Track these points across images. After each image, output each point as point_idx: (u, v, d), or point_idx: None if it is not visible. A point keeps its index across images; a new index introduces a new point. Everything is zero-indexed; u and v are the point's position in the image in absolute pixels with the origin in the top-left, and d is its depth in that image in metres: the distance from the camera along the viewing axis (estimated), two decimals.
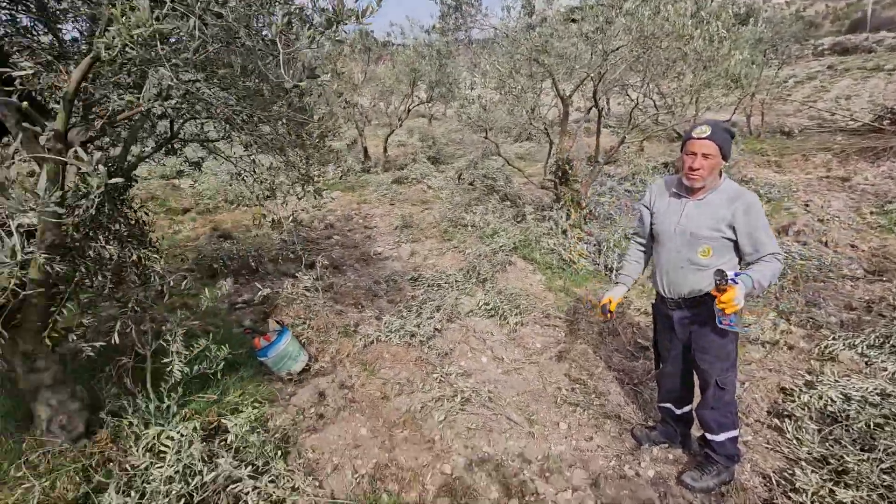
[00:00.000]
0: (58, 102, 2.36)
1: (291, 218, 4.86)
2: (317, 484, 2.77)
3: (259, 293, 4.42)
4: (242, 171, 3.82)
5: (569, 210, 6.72)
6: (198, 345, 3.31)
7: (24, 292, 2.43)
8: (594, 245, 6.18)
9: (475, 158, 10.85)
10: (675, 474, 2.89)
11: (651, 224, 2.74)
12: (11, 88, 2.24)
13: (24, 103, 2.02)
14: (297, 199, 3.89)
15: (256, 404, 3.36)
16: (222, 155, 3.83)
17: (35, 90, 2.36)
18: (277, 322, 4.10)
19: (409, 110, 12.24)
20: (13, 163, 2.06)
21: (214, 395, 3.43)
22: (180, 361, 3.19)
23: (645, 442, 3.13)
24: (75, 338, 2.77)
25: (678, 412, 2.97)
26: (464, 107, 6.54)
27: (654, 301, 2.93)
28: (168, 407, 3.12)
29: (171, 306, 4.44)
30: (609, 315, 2.86)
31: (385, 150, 12.37)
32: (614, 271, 5.63)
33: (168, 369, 3.20)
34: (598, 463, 3.03)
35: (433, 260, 6.57)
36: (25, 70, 2.18)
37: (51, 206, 1.71)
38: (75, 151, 1.77)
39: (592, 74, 5.67)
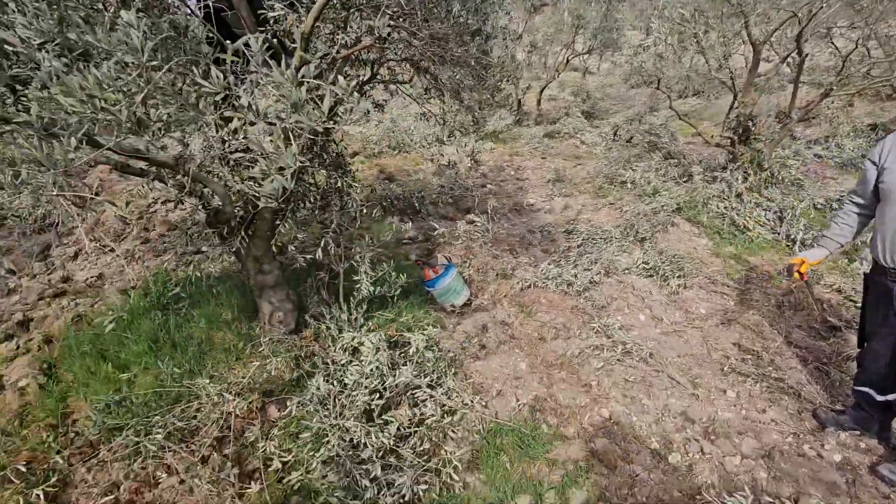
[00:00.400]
0: (294, 42, 2.71)
1: (469, 159, 5.06)
2: (483, 404, 3.01)
3: (435, 231, 4.75)
4: (427, 114, 4.04)
5: (746, 172, 6.09)
6: (381, 269, 3.70)
7: (263, 204, 2.91)
8: (775, 213, 5.56)
9: (636, 113, 10.19)
10: (867, 463, 2.64)
11: (878, 182, 2.42)
12: (263, 28, 2.62)
13: (274, 40, 2.36)
14: (463, 146, 4.05)
15: (428, 327, 3.69)
16: (410, 95, 4.09)
17: (280, 31, 2.73)
18: (445, 258, 4.39)
19: (567, 61, 11.76)
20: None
21: (391, 314, 3.83)
22: (368, 281, 3.60)
23: (830, 425, 2.88)
24: (293, 248, 3.28)
25: (879, 398, 2.67)
26: (637, 54, 6.12)
27: (867, 271, 2.62)
28: (356, 318, 3.56)
29: (356, 234, 4.96)
30: (800, 277, 2.62)
31: (539, 103, 12.12)
32: (798, 243, 5.05)
33: (357, 286, 3.64)
34: (771, 436, 2.87)
35: (587, 215, 6.44)
36: (278, 12, 2.52)
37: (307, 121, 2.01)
38: (335, 79, 2.04)
39: (801, 14, 4.94)
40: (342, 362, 3.06)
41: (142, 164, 2.56)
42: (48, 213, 6.05)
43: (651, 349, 3.60)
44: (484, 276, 4.74)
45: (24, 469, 2.39)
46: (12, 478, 2.33)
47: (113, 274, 4.47)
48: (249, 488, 2.39)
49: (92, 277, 4.42)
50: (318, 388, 2.86)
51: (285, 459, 2.54)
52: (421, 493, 2.35)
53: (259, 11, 2.62)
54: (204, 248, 5.07)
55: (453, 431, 2.77)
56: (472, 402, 2.97)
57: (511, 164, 9.19)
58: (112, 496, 2.29)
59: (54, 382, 2.94)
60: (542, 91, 12.27)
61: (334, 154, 3.75)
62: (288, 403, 2.93)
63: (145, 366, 3.01)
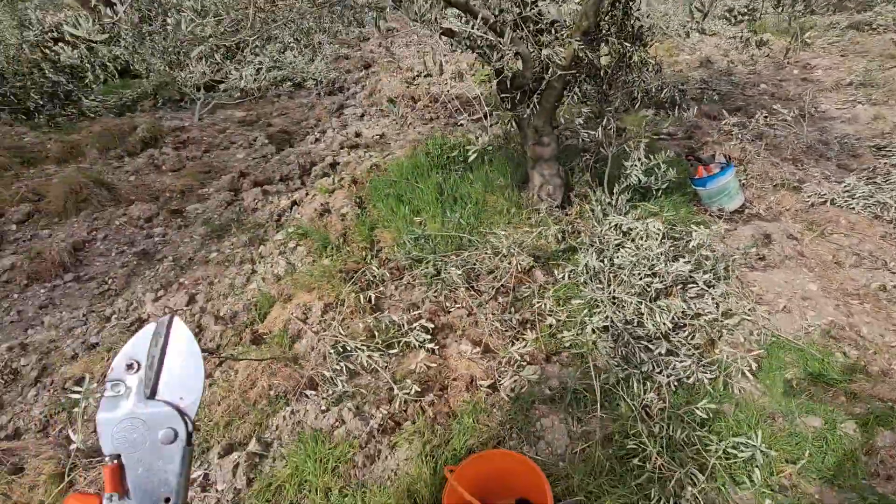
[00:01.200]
0: None
1: (744, 49, 4.32)
2: (765, 315, 2.76)
3: (699, 129, 4.25)
4: None
5: None
6: (653, 158, 3.47)
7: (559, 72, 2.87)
8: None
9: None
10: None
11: None
12: None
13: None
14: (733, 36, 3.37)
15: (697, 225, 3.43)
16: None
17: None
18: (725, 156, 3.92)
19: None
20: None
21: (654, 207, 3.63)
22: (640, 168, 3.42)
23: None
24: (579, 122, 3.23)
25: None
26: None
27: None
28: (618, 205, 3.46)
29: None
30: None
31: None
32: None
33: (625, 173, 3.49)
34: None
35: None
36: None
37: None
38: None
39: None
40: (615, 243, 3.04)
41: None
42: (336, 78, 6.96)
43: None
44: (761, 183, 4.15)
45: (349, 276, 2.97)
46: (343, 280, 2.93)
47: (393, 134, 5.03)
48: (525, 334, 2.62)
49: (376, 135, 5.04)
50: (589, 263, 2.91)
51: (559, 318, 2.70)
52: (699, 381, 2.31)
53: None
54: (462, 122, 5.35)
55: (729, 334, 2.61)
56: (752, 309, 2.74)
57: (795, 59, 7.57)
58: (415, 312, 2.73)
59: (365, 215, 3.52)
60: None
61: (633, 25, 3.45)
62: (555, 271, 3.07)
63: (433, 213, 3.39)
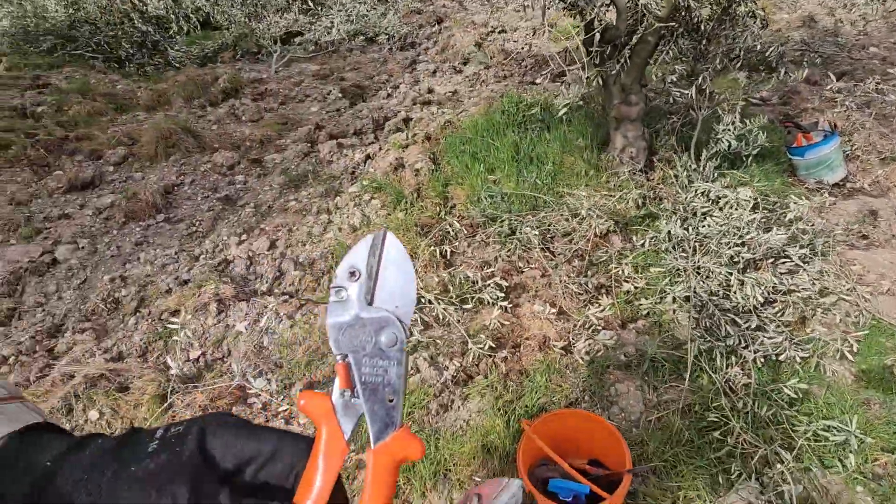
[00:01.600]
0: None
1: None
2: (866, 297, 2.55)
3: (797, 94, 3.90)
4: None
5: None
6: (750, 122, 3.23)
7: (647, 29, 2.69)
8: None
9: None
10: None
11: None
12: None
13: None
14: None
15: (792, 198, 3.19)
16: None
17: None
18: (830, 123, 3.60)
19: None
20: None
21: (745, 176, 3.40)
22: (733, 132, 3.20)
23: None
24: (671, 81, 3.04)
25: None
26: None
27: None
28: (705, 172, 3.27)
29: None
30: None
31: None
32: None
33: (716, 137, 3.28)
34: None
35: None
36: None
37: None
38: None
39: None
40: (702, 211, 2.88)
41: None
42: (409, 33, 6.87)
43: None
44: (867, 156, 3.79)
45: (423, 230, 2.99)
46: (418, 234, 2.95)
47: (465, 91, 4.93)
48: (600, 299, 2.56)
49: (449, 92, 4.96)
50: (673, 231, 2.79)
51: (637, 285, 2.61)
52: (790, 359, 2.19)
53: None
54: (538, 81, 5.16)
55: (824, 313, 2.44)
56: (852, 290, 2.54)
57: None
58: (488, 270, 2.72)
59: (439, 171, 3.50)
60: None
61: None
62: (634, 237, 2.96)
63: (508, 172, 3.33)
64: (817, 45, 6.10)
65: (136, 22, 6.31)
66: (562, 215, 2.92)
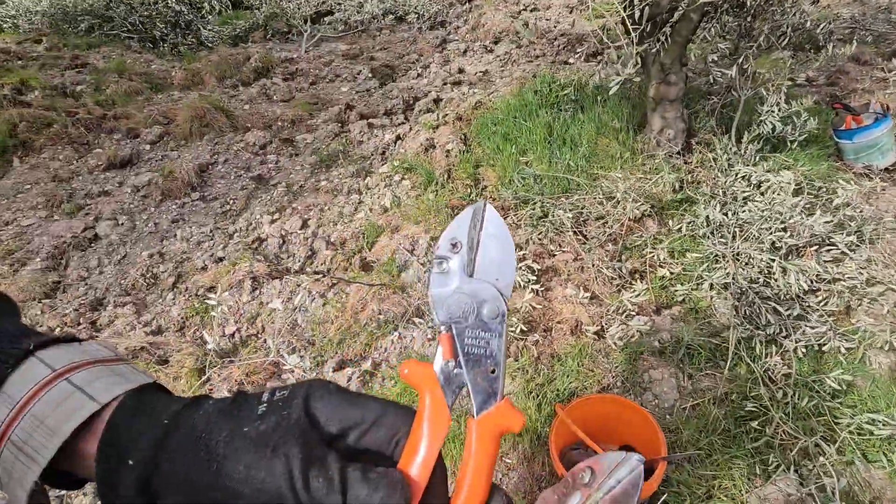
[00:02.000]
0: None
1: None
2: None
3: (847, 74, 3.70)
4: None
5: None
6: (797, 104, 3.10)
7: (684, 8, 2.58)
8: None
9: None
10: None
11: None
12: None
13: None
14: None
15: (838, 183, 3.06)
16: None
17: None
18: (883, 105, 3.42)
19: None
20: None
21: (788, 160, 3.27)
22: (778, 114, 3.07)
23: None
24: (714, 60, 2.92)
25: None
26: None
27: None
28: (747, 155, 3.15)
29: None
30: None
31: None
32: None
33: (759, 119, 3.15)
34: None
35: None
36: None
37: None
38: None
39: None
40: (742, 196, 2.79)
41: None
42: (439, 11, 6.76)
43: None
44: None
45: (454, 211, 2.97)
46: (449, 215, 2.93)
47: (497, 71, 4.85)
48: (634, 284, 2.51)
49: (479, 72, 4.88)
50: (711, 215, 2.71)
51: (673, 271, 2.56)
52: (834, 350, 2.12)
53: None
54: (571, 61, 5.04)
55: (871, 303, 2.35)
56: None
57: None
58: (519, 253, 2.69)
59: (469, 152, 3.47)
60: None
61: None
62: (670, 221, 2.88)
63: (540, 154, 3.27)
64: (868, 23, 5.80)
65: (169, 2, 6.37)
66: (595, 198, 2.86)
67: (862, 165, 3.38)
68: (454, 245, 0.47)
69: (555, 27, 5.82)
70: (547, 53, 5.22)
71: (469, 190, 3.17)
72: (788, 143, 3.26)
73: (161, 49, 5.98)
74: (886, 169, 3.37)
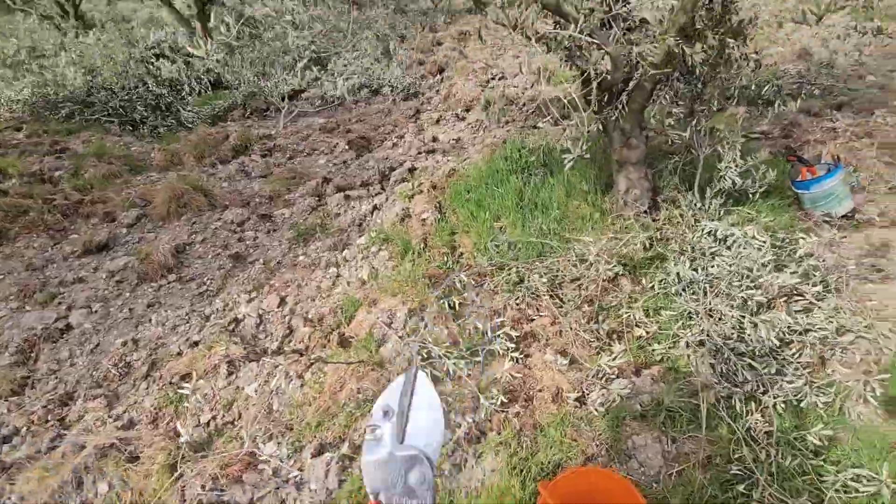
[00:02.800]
0: None
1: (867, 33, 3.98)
2: (886, 334, 2.49)
3: (798, 126, 3.92)
4: None
5: None
6: (753, 159, 3.26)
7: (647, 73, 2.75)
8: None
9: None
10: None
11: None
12: None
13: None
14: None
15: (800, 234, 3.17)
16: None
17: None
18: (833, 157, 3.61)
19: None
20: None
21: (751, 212, 3.39)
22: (735, 170, 3.21)
23: None
24: (670, 123, 3.08)
25: None
26: None
27: None
28: (711, 210, 3.27)
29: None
30: None
31: None
32: None
33: (719, 175, 3.29)
34: None
35: None
36: None
37: None
38: None
39: None
40: (710, 251, 2.87)
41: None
42: (412, 83, 7.06)
43: None
44: (874, 186, 3.78)
45: (432, 281, 3.00)
46: (427, 285, 2.95)
47: (469, 138, 5.03)
48: (612, 346, 2.52)
49: (452, 140, 5.06)
50: (682, 272, 2.77)
51: (649, 330, 2.58)
52: (811, 405, 2.12)
53: None
54: (540, 124, 5.26)
55: (843, 352, 2.38)
56: (870, 326, 2.49)
57: None
58: (498, 320, 2.70)
59: (445, 220, 3.54)
60: None
61: (731, 19, 3.24)
62: (643, 280, 2.94)
63: (513, 220, 3.35)
64: (813, 77, 6.18)
65: (150, 86, 6.59)
66: (569, 261, 2.91)
67: (821, 214, 3.51)
68: (386, 413, 0.50)
69: (523, 93, 6.11)
70: (516, 119, 5.45)
71: (445, 258, 3.21)
72: (750, 196, 3.39)
73: (141, 131, 6.12)
74: (845, 216, 3.51)
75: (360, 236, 3.61)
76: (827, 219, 3.48)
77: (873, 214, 3.54)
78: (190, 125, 6.24)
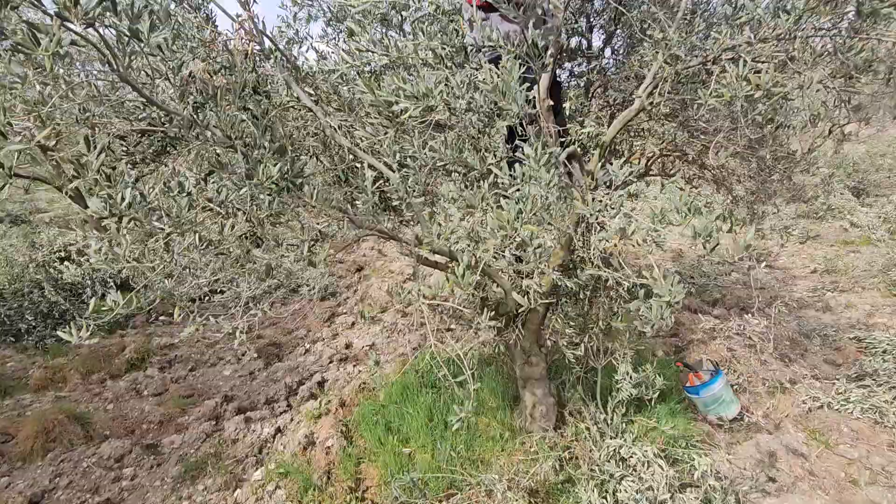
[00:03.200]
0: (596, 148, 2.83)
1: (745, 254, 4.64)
2: None
3: (682, 326, 4.36)
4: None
5: None
6: (643, 369, 3.49)
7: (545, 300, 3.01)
8: None
9: None
10: None
11: None
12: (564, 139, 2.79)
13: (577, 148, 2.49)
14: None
15: (697, 446, 3.28)
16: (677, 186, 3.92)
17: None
18: (712, 363, 3.95)
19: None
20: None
21: (652, 420, 3.52)
22: (630, 383, 3.40)
23: None
24: (564, 343, 3.29)
25: None
26: None
27: None
28: (614, 421, 3.36)
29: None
30: None
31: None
32: None
33: (617, 385, 3.46)
34: None
35: (884, 319, 5.24)
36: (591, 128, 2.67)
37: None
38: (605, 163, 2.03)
39: None
40: (616, 475, 2.86)
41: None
42: (330, 283, 7.24)
43: None
44: (754, 387, 4.12)
45: None
46: None
47: (383, 343, 5.06)
48: None
49: (366, 346, 5.07)
50: (592, 501, 2.71)
51: None
52: None
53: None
54: (453, 327, 5.45)
55: None
56: None
57: (759, 248, 8.16)
58: None
59: (351, 446, 3.34)
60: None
61: (601, 251, 3.74)
62: None
63: (423, 443, 3.23)
64: (687, 276, 7.07)
65: (46, 291, 6.25)
66: (478, 499, 2.77)
67: (715, 417, 3.71)
68: None
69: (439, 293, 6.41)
70: (431, 321, 5.61)
71: (348, 497, 2.95)
72: (648, 403, 3.55)
73: (24, 342, 5.61)
74: (735, 418, 3.72)
75: (257, 470, 3.29)
76: (720, 423, 3.67)
77: (759, 416, 3.80)
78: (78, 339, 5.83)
